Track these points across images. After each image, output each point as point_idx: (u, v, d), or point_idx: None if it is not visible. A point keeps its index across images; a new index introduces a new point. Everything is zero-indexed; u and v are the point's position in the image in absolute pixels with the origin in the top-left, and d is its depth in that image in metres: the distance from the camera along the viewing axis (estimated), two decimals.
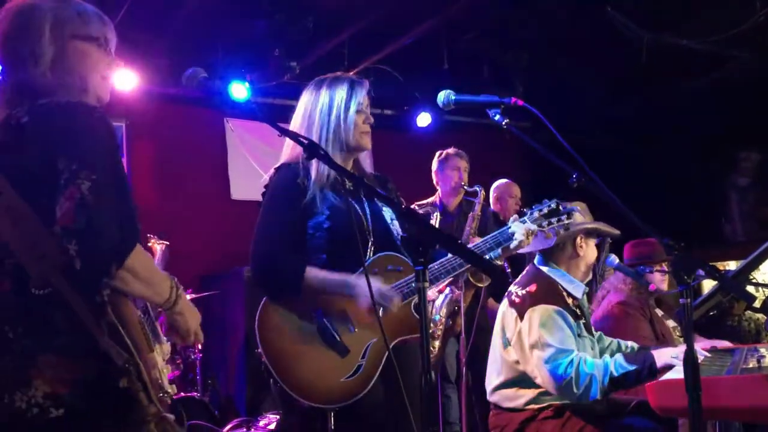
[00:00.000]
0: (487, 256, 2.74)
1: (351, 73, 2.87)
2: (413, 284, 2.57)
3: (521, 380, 3.31)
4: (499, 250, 2.78)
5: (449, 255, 2.62)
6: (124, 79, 6.04)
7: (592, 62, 6.84)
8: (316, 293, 2.51)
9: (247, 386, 5.92)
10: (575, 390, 3.09)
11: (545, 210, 2.89)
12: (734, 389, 2.50)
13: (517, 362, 3.30)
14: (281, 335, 2.51)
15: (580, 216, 3.42)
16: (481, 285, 4.41)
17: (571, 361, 3.10)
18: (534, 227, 2.83)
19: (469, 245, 2.84)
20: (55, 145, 1.73)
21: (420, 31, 6.02)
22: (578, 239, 3.42)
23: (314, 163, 2.57)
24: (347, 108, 2.66)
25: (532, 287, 3.35)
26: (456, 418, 5.35)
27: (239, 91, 6.21)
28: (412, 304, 2.60)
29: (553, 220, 2.88)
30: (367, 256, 2.62)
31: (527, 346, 3.22)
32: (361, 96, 2.71)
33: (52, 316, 1.71)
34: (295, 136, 2.17)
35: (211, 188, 7.15)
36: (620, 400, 3.43)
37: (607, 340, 3.63)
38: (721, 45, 6.18)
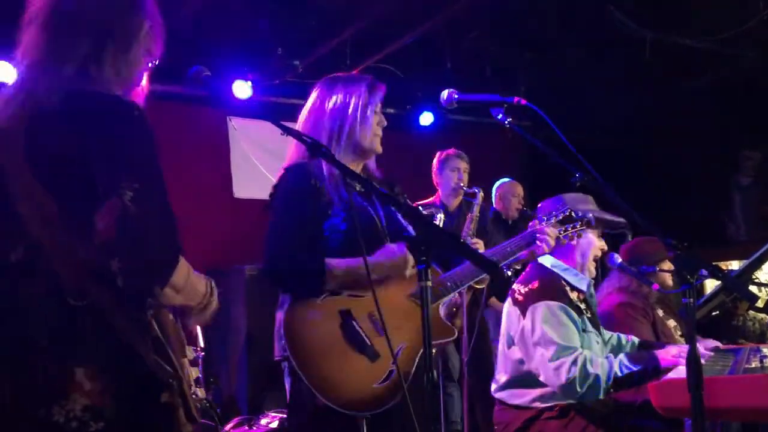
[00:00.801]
0: (512, 259, 2.79)
1: (354, 71, 2.82)
2: (439, 288, 2.55)
3: (527, 379, 3.31)
4: (524, 253, 2.80)
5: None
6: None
7: (595, 61, 6.83)
8: (344, 285, 2.40)
9: (249, 384, 5.92)
10: (578, 389, 3.09)
11: (560, 217, 2.94)
12: (736, 389, 2.50)
13: (522, 361, 3.30)
14: (310, 338, 2.37)
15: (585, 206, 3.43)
16: (480, 287, 4.41)
17: (575, 359, 3.10)
18: (558, 233, 2.90)
19: (495, 247, 2.84)
20: (93, 144, 1.61)
21: (422, 30, 6.02)
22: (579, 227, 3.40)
23: (327, 165, 2.49)
24: (364, 110, 2.58)
25: (534, 284, 3.35)
26: (458, 417, 5.36)
27: (242, 89, 6.21)
28: (441, 307, 2.57)
29: (569, 227, 2.95)
30: None
31: (530, 343, 3.21)
32: (378, 99, 2.64)
33: (90, 328, 1.62)
34: (298, 135, 2.14)
35: (214, 186, 7.15)
36: (624, 401, 3.42)
37: (607, 334, 3.62)
38: (724, 44, 6.17)
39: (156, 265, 1.63)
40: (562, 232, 2.93)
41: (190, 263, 1.79)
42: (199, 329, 5.46)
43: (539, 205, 3.54)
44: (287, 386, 2.53)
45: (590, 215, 3.02)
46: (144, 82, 1.85)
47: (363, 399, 2.33)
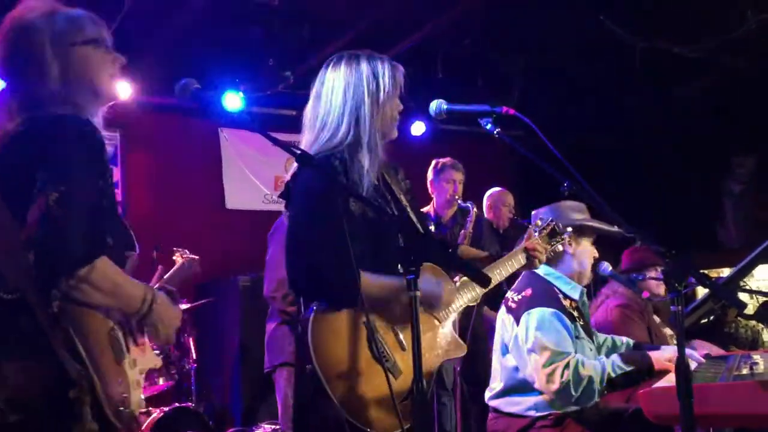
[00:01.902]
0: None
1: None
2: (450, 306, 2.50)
3: (522, 387, 3.31)
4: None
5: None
6: (119, 90, 6.04)
7: (587, 69, 6.86)
8: (376, 301, 2.23)
9: (242, 396, 5.90)
10: (573, 393, 3.09)
11: (548, 229, 2.97)
12: (726, 396, 2.50)
13: (517, 369, 3.31)
14: (335, 348, 2.20)
15: (578, 215, 3.46)
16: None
17: (568, 363, 3.11)
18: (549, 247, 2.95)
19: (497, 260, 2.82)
20: (36, 155, 1.79)
21: (414, 40, 6.04)
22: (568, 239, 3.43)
23: (357, 154, 2.33)
24: (393, 90, 2.41)
25: (528, 291, 3.36)
26: (452, 426, 5.35)
27: (233, 100, 6.22)
28: (452, 323, 2.52)
29: (554, 240, 2.99)
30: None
31: (524, 350, 3.22)
32: (400, 82, 2.45)
33: (17, 321, 1.76)
34: (287, 148, 2.04)
35: (206, 198, 7.15)
36: (616, 408, 3.43)
37: (602, 337, 3.63)
38: (713, 52, 6.21)
39: (65, 258, 1.74)
40: (549, 246, 2.97)
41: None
42: (191, 341, 5.46)
43: (533, 213, 3.56)
44: (279, 397, 2.49)
45: (569, 230, 3.07)
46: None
47: (385, 416, 2.20)
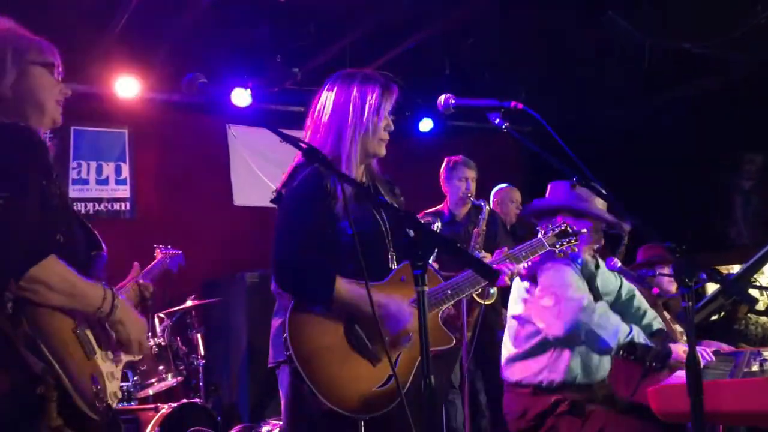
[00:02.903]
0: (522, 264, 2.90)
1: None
2: (439, 295, 2.57)
3: (533, 349, 3.38)
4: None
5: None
6: (127, 87, 6.06)
7: (594, 67, 6.84)
8: (345, 305, 2.39)
9: (250, 392, 5.91)
10: (589, 322, 3.17)
11: (557, 231, 3.08)
12: (736, 393, 2.49)
13: (528, 329, 3.36)
14: (312, 339, 2.37)
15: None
16: (486, 302, 4.40)
17: (590, 300, 3.20)
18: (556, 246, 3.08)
19: (507, 253, 2.90)
20: None
21: (421, 37, 6.03)
22: (560, 218, 3.48)
23: (342, 164, 2.49)
24: (377, 113, 2.56)
25: (536, 258, 3.45)
26: (460, 424, 5.35)
27: (241, 97, 6.22)
28: (440, 316, 2.58)
29: (564, 241, 3.08)
30: (391, 264, 2.56)
31: (537, 297, 3.33)
32: (390, 103, 2.62)
33: None
34: (295, 142, 2.09)
35: (214, 194, 7.16)
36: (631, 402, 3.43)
37: (636, 303, 3.72)
38: (722, 48, 6.17)
39: (11, 260, 1.80)
40: (558, 246, 3.07)
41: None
42: (199, 337, 5.48)
43: (550, 186, 3.68)
44: (282, 393, 2.51)
45: (584, 230, 3.21)
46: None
47: (364, 401, 2.36)
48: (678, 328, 4.31)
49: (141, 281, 2.63)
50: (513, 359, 3.46)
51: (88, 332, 2.00)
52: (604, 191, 2.34)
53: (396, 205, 2.66)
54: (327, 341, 2.39)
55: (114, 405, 2.02)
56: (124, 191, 6.75)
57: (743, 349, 3.74)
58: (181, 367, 5.19)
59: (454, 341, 2.60)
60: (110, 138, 6.75)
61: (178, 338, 5.38)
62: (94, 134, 6.69)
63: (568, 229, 3.09)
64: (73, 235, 2.04)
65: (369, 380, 2.39)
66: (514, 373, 3.44)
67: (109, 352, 2.07)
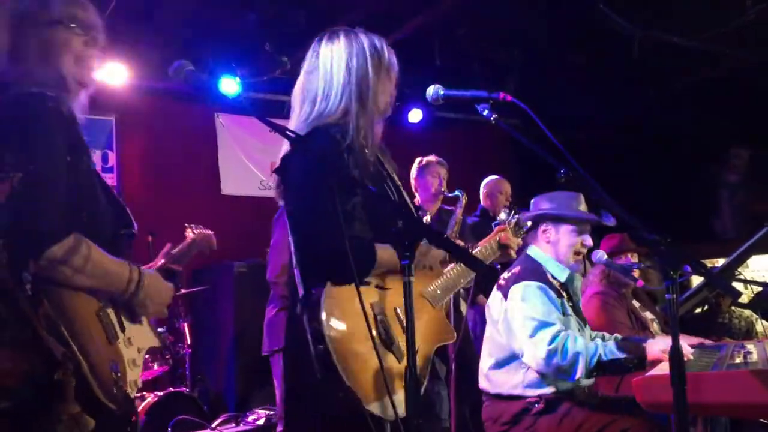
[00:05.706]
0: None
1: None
2: (438, 291, 2.52)
3: (511, 363, 3.36)
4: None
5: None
6: (114, 74, 6.01)
7: (584, 59, 6.85)
8: (386, 273, 2.24)
9: (237, 381, 5.92)
10: (559, 361, 3.12)
11: (512, 223, 2.99)
12: (720, 385, 2.51)
13: (505, 345, 3.37)
14: (349, 330, 2.15)
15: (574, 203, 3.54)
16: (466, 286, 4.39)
17: (557, 334, 3.17)
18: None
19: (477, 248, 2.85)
20: (0, 138, 1.77)
21: (411, 27, 6.02)
22: (542, 227, 3.52)
23: (355, 126, 2.30)
24: (387, 73, 2.41)
25: (516, 269, 3.48)
26: (446, 414, 5.36)
27: (230, 85, 6.18)
28: (445, 309, 2.55)
29: (519, 232, 3.04)
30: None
31: (512, 322, 3.31)
32: (395, 60, 2.46)
33: (4, 309, 1.72)
34: (284, 132, 2.00)
35: (202, 183, 7.13)
36: (610, 397, 3.45)
37: (592, 333, 3.66)
38: (712, 42, 6.20)
39: (31, 239, 1.71)
40: (518, 239, 3.01)
41: None
42: (186, 326, 5.47)
43: (533, 201, 3.67)
44: (277, 382, 2.46)
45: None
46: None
47: (392, 402, 2.09)
48: (648, 315, 4.37)
49: (170, 266, 2.48)
50: (489, 371, 3.45)
51: (112, 315, 1.91)
52: (591, 183, 2.35)
53: (395, 175, 2.58)
54: (361, 331, 2.10)
55: (133, 394, 1.92)
56: (111, 179, 6.71)
57: (727, 341, 3.77)
58: (167, 356, 5.18)
59: (456, 336, 2.54)
60: (97, 126, 6.70)
61: (165, 327, 5.36)
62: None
63: (519, 221, 3.01)
64: (100, 212, 1.94)
65: (399, 379, 2.15)
66: (490, 386, 3.44)
67: (132, 337, 1.98)
